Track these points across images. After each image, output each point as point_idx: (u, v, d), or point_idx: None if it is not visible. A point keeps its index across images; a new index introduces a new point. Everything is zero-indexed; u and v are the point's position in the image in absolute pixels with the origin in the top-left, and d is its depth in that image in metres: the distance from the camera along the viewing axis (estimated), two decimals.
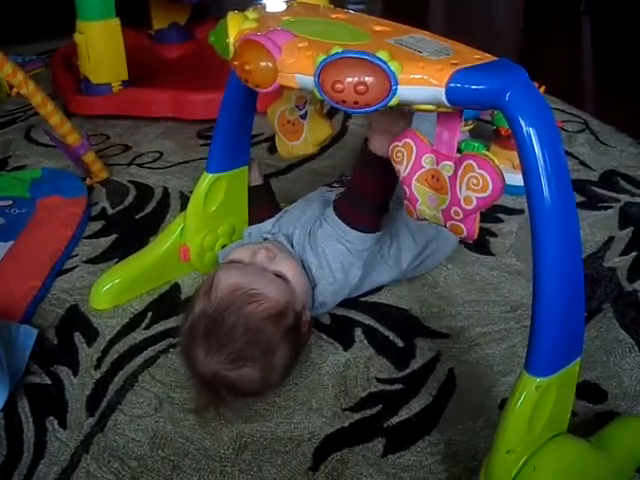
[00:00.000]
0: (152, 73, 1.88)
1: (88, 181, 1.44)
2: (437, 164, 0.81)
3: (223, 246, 1.18)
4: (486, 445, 0.86)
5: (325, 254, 1.01)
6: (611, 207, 1.41)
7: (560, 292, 0.71)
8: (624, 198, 1.44)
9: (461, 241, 1.25)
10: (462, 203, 0.78)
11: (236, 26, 0.80)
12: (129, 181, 1.51)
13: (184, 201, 1.40)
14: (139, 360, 1.03)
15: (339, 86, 0.69)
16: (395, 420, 0.93)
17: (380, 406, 0.95)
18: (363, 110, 0.71)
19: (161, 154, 1.63)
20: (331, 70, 0.69)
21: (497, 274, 1.21)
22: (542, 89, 1.31)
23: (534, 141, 0.68)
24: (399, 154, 0.84)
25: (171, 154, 1.63)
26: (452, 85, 0.69)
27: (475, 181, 0.76)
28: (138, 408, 0.95)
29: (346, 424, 0.92)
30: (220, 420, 0.92)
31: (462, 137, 1.51)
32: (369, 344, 1.05)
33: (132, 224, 1.36)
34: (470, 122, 1.52)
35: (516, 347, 1.04)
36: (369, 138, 0.96)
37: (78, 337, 1.08)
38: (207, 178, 1.13)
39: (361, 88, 0.69)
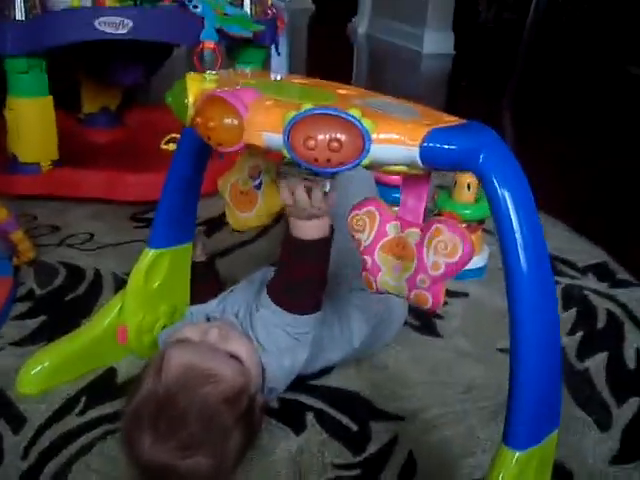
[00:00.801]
0: (81, 156, 1.82)
1: (15, 261, 1.35)
2: (402, 232, 0.79)
3: (163, 327, 1.10)
4: None
5: (266, 341, 0.96)
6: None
7: (539, 362, 0.69)
8: (564, 280, 1.45)
9: (405, 323, 1.23)
10: (429, 269, 0.75)
11: (196, 86, 0.77)
12: (59, 262, 1.42)
13: (117, 284, 1.33)
14: (73, 449, 0.93)
15: (311, 142, 0.66)
16: None
17: None
18: (335, 169, 0.68)
19: (92, 235, 1.55)
20: (303, 127, 0.67)
21: (447, 355, 1.18)
22: None
23: (509, 203, 0.67)
24: (360, 222, 0.81)
25: (103, 235, 1.55)
26: (426, 145, 0.67)
27: (443, 245, 0.74)
28: None
29: None
30: None
31: None
32: (321, 428, 1.00)
33: (62, 306, 1.28)
34: None
35: (474, 428, 1.01)
36: (290, 224, 0.91)
37: (2, 424, 0.97)
38: (150, 253, 1.07)
39: (335, 145, 0.66)
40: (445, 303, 1.29)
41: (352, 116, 0.67)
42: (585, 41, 3.46)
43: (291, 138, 0.67)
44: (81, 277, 1.37)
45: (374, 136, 0.67)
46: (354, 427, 1.00)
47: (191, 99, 0.77)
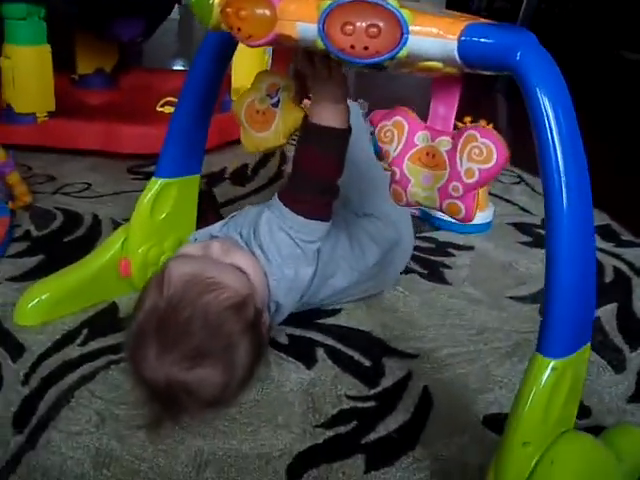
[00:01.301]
0: (76, 113, 1.77)
1: (10, 205, 1.31)
2: (432, 141, 0.76)
3: None
4: (476, 461, 0.80)
5: (269, 246, 0.92)
6: None
7: (577, 267, 0.66)
8: None
9: (413, 272, 1.20)
10: (463, 176, 0.73)
11: None
12: (55, 208, 1.38)
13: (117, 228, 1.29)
14: (75, 376, 0.90)
15: (349, 27, 0.63)
16: (373, 436, 0.83)
17: (355, 423, 0.85)
18: (370, 60, 0.65)
19: (89, 185, 1.51)
20: (340, 12, 0.64)
21: (457, 301, 1.16)
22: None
23: (547, 103, 0.64)
24: (388, 133, 0.79)
25: (100, 186, 1.52)
26: (464, 38, 0.65)
27: (478, 151, 0.71)
28: (76, 425, 0.82)
29: (320, 440, 0.82)
30: (175, 437, 0.80)
31: None
32: (333, 363, 0.97)
33: (60, 247, 1.24)
34: None
35: (489, 367, 0.98)
36: (310, 111, 0.90)
37: (1, 353, 0.93)
38: (157, 183, 1.04)
39: (373, 31, 0.63)
40: (452, 255, 1.29)
41: (391, 5, 0.64)
42: (579, 28, 3.47)
43: (327, 25, 0.65)
44: (79, 221, 1.34)
45: (412, 27, 0.65)
46: (367, 362, 0.97)
47: (216, 0, 0.73)
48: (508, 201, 1.62)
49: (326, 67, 0.85)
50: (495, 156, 0.71)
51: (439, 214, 1.42)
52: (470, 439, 0.84)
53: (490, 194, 1.53)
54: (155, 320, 0.78)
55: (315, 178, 0.91)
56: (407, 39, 0.65)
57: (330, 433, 0.83)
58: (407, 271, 1.23)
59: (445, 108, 0.75)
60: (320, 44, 0.66)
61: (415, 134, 0.77)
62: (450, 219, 1.38)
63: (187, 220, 1.09)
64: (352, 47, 0.64)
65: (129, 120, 1.69)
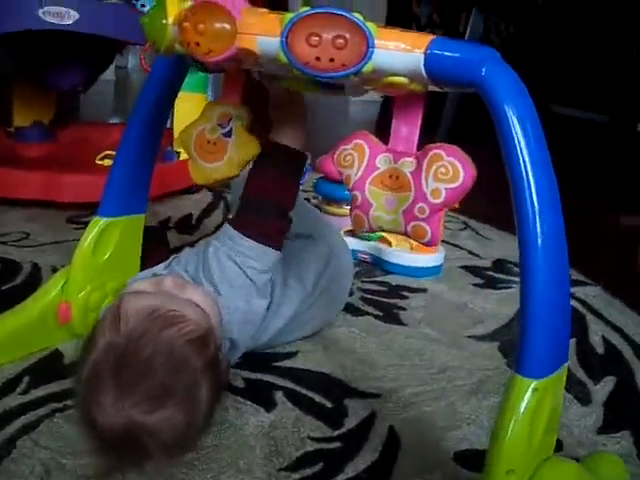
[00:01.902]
0: (13, 165, 1.70)
1: None
2: (395, 163, 0.74)
3: None
4: None
5: (220, 278, 0.88)
6: (511, 287, 1.39)
7: (555, 284, 0.65)
8: None
9: (368, 314, 1.18)
10: (429, 197, 0.71)
11: (175, 5, 0.71)
12: None
13: None
14: (16, 425, 0.82)
15: (315, 39, 0.62)
16: (342, 478, 0.79)
17: (321, 464, 0.81)
18: (336, 74, 0.64)
19: (28, 234, 1.44)
20: (305, 24, 0.62)
21: (415, 341, 1.13)
22: None
23: (513, 116, 0.63)
24: (348, 157, 0.76)
25: (39, 235, 1.44)
26: (430, 52, 0.64)
27: (444, 170, 0.70)
28: (19, 477, 0.75)
29: None
30: None
31: None
32: (294, 405, 0.92)
33: None
34: None
35: (455, 405, 0.95)
36: (272, 132, 0.90)
37: None
38: (99, 222, 0.99)
39: (340, 42, 0.62)
40: (406, 297, 1.27)
41: (356, 17, 0.63)
42: None
43: (290, 38, 0.62)
44: (17, 269, 1.26)
45: (378, 41, 0.63)
46: (328, 404, 0.93)
47: (170, 19, 0.71)
48: (456, 246, 1.61)
49: (286, 91, 0.84)
50: (462, 175, 0.70)
51: (390, 258, 1.41)
52: (442, 477, 0.80)
53: None
54: (112, 359, 0.72)
55: (270, 201, 0.89)
56: (373, 52, 0.63)
57: (296, 476, 0.78)
58: (362, 313, 1.21)
59: (407, 129, 0.74)
60: (282, 58, 0.64)
61: (376, 157, 0.75)
62: (401, 263, 1.39)
63: (131, 262, 1.04)
64: (317, 59, 0.62)
65: (69, 170, 1.63)
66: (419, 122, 0.73)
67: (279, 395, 0.93)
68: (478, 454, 0.85)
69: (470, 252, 1.59)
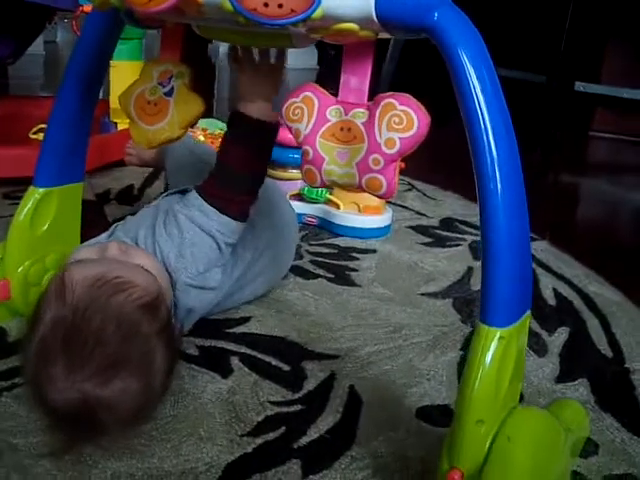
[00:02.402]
0: None
1: None
2: (346, 114, 0.71)
3: None
4: (416, 454, 0.75)
5: (189, 242, 0.86)
6: (460, 245, 1.39)
7: (515, 229, 0.63)
8: (469, 238, 1.44)
9: (320, 276, 1.16)
10: (383, 147, 0.68)
11: None
12: None
13: None
14: None
15: None
16: (305, 440, 0.77)
17: (283, 428, 0.79)
18: (285, 20, 0.60)
19: None
20: None
21: (369, 301, 1.12)
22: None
23: (468, 61, 0.61)
24: (297, 111, 0.73)
25: None
26: None
27: (398, 119, 0.67)
28: None
29: (249, 450, 0.75)
30: (86, 462, 0.70)
31: (302, 184, 1.44)
32: (250, 370, 0.89)
33: None
34: None
35: (412, 361, 0.94)
36: (240, 104, 0.87)
37: None
38: (35, 193, 0.94)
39: None
40: (356, 259, 1.25)
41: None
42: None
43: None
44: None
45: None
46: (286, 367, 0.91)
47: None
48: (403, 206, 1.60)
49: (267, 62, 0.84)
50: (416, 123, 0.67)
51: (338, 220, 1.39)
52: (406, 433, 0.79)
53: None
54: (61, 332, 0.68)
55: (242, 170, 0.87)
56: None
57: (259, 441, 0.76)
58: (314, 276, 1.19)
59: (357, 79, 0.71)
60: (228, 5, 0.60)
61: (326, 109, 0.72)
62: (350, 225, 1.38)
63: (71, 232, 1.00)
64: (265, 5, 0.59)
65: (2, 145, 1.56)
66: (369, 72, 0.71)
67: (235, 361, 0.91)
68: (440, 409, 0.84)
69: (417, 212, 1.58)
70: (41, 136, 1.66)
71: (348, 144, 0.71)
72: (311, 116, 0.73)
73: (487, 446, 0.61)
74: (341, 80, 0.72)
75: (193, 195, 0.87)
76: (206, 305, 0.91)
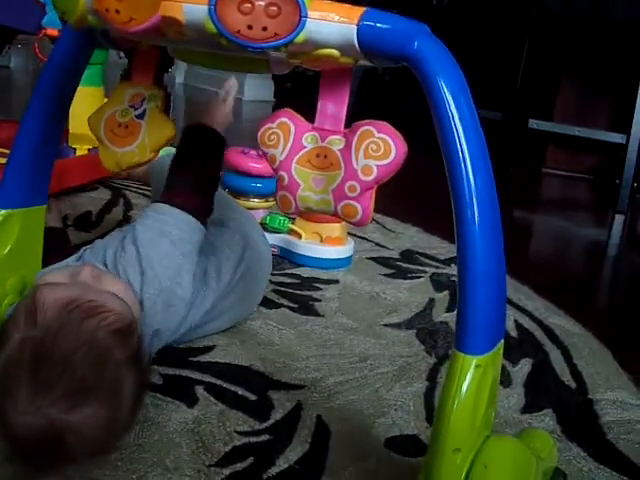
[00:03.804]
0: None
1: None
2: (322, 141, 0.71)
3: (11, 305, 0.93)
4: None
5: (147, 256, 0.85)
6: (421, 277, 1.40)
7: (492, 258, 0.64)
8: (429, 270, 1.45)
9: (283, 306, 1.15)
10: (360, 174, 0.68)
11: None
12: None
13: None
14: None
15: (247, 6, 0.58)
16: (275, 470, 0.76)
17: (251, 458, 0.77)
18: (268, 44, 0.60)
19: None
20: None
21: (333, 331, 1.11)
22: None
23: (447, 91, 0.62)
24: (273, 137, 0.73)
25: None
26: (363, 23, 0.62)
27: (375, 147, 0.68)
28: None
29: None
30: None
31: (264, 213, 1.44)
32: (216, 400, 0.88)
33: None
34: (271, 199, 1.45)
35: (379, 392, 0.94)
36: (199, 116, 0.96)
37: None
38: None
39: (273, 9, 0.59)
40: (319, 289, 1.25)
41: None
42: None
43: (220, 4, 0.59)
44: None
45: (311, 12, 0.61)
46: (252, 397, 0.90)
47: None
48: (363, 238, 1.61)
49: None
50: (394, 151, 0.67)
51: (300, 250, 1.39)
52: (377, 463, 0.78)
53: None
54: (28, 354, 0.66)
55: (197, 180, 0.90)
56: (305, 22, 0.60)
57: (227, 472, 0.74)
58: (277, 306, 1.18)
59: (335, 106, 0.71)
60: (211, 27, 0.60)
61: (302, 135, 0.72)
62: (312, 255, 1.38)
63: (32, 256, 0.96)
64: (249, 27, 0.59)
65: None
66: (347, 99, 0.71)
67: (200, 390, 0.89)
68: (409, 439, 0.84)
69: (377, 244, 1.59)
70: (2, 160, 1.64)
71: (324, 171, 0.71)
72: (287, 142, 0.73)
73: (464, 475, 0.60)
74: (318, 106, 0.72)
75: (149, 207, 0.89)
76: (172, 325, 0.89)
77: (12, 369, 0.66)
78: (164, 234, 0.86)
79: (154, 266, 0.85)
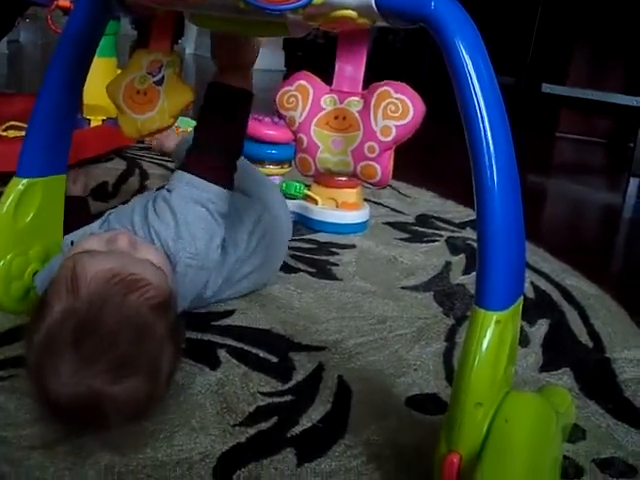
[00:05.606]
0: None
1: None
2: (340, 103, 0.72)
3: (34, 274, 0.94)
4: (409, 441, 0.76)
5: (184, 221, 0.86)
6: (437, 240, 1.41)
7: (511, 214, 0.64)
8: (445, 234, 1.45)
9: (300, 270, 1.16)
10: (379, 135, 0.69)
11: None
12: None
13: None
14: None
15: None
16: (298, 429, 0.77)
17: (275, 418, 0.79)
18: (288, 6, 0.61)
19: None
20: None
21: (352, 295, 1.12)
22: None
23: (465, 52, 0.62)
24: (292, 99, 0.73)
25: None
26: None
27: (394, 107, 0.68)
28: None
29: (242, 439, 0.74)
30: (79, 454, 0.69)
31: (280, 179, 1.44)
32: (239, 362, 0.89)
33: None
34: (286, 165, 1.46)
35: (399, 352, 0.95)
36: (218, 74, 0.91)
37: None
38: (19, 184, 0.92)
39: None
40: (337, 254, 1.26)
41: None
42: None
43: None
44: None
45: None
46: (274, 359, 0.91)
47: None
48: (379, 204, 1.61)
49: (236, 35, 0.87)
50: (412, 111, 0.68)
51: (317, 216, 1.39)
52: (398, 421, 0.80)
53: None
54: (72, 326, 0.66)
55: (220, 144, 0.88)
56: None
57: (252, 431, 0.76)
58: (295, 270, 1.19)
59: (352, 68, 0.71)
60: None
61: (321, 97, 0.73)
62: (328, 220, 1.38)
63: (53, 225, 0.98)
64: None
65: None
66: (364, 60, 0.71)
67: (222, 353, 0.91)
68: (429, 398, 0.85)
69: (393, 209, 1.60)
70: (11, 133, 1.65)
71: (343, 132, 0.71)
72: (305, 104, 0.73)
73: (485, 429, 0.61)
74: (335, 68, 0.72)
75: (178, 174, 0.88)
76: (197, 289, 0.90)
77: (55, 340, 0.67)
78: (202, 203, 0.86)
79: (190, 231, 0.85)
